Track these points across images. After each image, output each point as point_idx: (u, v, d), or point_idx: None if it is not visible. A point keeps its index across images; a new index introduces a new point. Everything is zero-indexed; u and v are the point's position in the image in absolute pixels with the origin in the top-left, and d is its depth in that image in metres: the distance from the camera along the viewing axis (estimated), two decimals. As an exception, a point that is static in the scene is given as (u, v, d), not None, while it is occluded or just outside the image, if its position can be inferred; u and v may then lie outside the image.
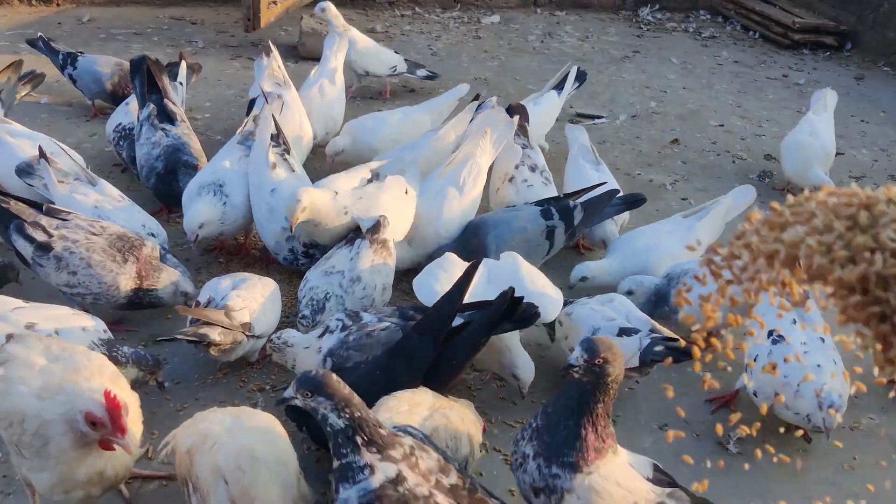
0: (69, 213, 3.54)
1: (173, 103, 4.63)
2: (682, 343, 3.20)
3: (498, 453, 3.11)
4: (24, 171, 4.06)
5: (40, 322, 2.96)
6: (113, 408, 2.33)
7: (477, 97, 4.94)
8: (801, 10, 9.19)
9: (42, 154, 3.92)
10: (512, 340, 3.26)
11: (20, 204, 3.51)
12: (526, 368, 3.23)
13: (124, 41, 7.21)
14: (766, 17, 9.14)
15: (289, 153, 4.12)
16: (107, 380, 2.50)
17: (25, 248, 3.42)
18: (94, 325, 3.05)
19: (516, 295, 2.97)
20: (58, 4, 8.08)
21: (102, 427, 2.35)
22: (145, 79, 4.66)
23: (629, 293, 3.72)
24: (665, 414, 3.36)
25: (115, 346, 3.01)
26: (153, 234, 3.83)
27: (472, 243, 3.94)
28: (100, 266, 3.39)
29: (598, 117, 6.42)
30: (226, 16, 8.14)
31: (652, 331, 3.28)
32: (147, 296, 3.49)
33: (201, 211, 3.91)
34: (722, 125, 6.52)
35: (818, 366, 3.07)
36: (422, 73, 6.44)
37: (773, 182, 5.59)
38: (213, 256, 4.24)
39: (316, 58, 6.99)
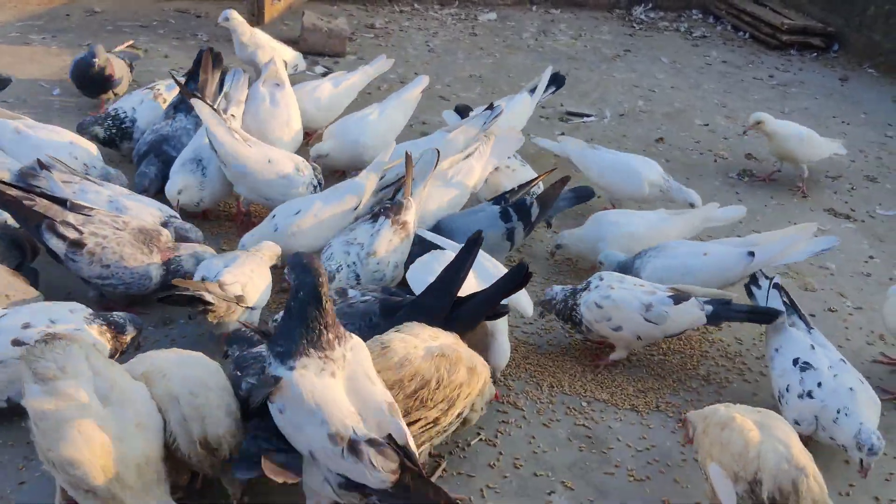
0: (91, 208, 3.74)
1: (201, 98, 4.86)
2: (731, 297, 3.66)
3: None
4: (27, 174, 4.06)
5: (31, 319, 3.10)
6: None
7: (491, 106, 5.03)
8: (791, 12, 9.42)
9: (42, 165, 4.01)
10: (499, 327, 3.50)
11: (45, 201, 3.67)
12: (499, 353, 3.44)
13: (130, 33, 7.41)
14: (757, 18, 9.38)
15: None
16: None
17: (58, 246, 3.61)
18: (75, 307, 3.25)
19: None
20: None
21: None
22: (191, 68, 5.14)
23: (600, 264, 4.19)
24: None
25: (106, 316, 3.24)
26: (175, 217, 4.10)
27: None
28: (131, 258, 3.65)
29: (587, 115, 6.66)
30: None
31: (690, 294, 3.63)
32: (174, 275, 3.77)
33: (179, 179, 4.36)
34: (707, 124, 6.77)
35: (851, 389, 3.23)
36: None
37: (753, 180, 5.84)
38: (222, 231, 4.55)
39: (317, 52, 7.29)
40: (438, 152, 4.28)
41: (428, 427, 2.85)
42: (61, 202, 3.69)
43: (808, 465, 2.69)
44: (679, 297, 3.59)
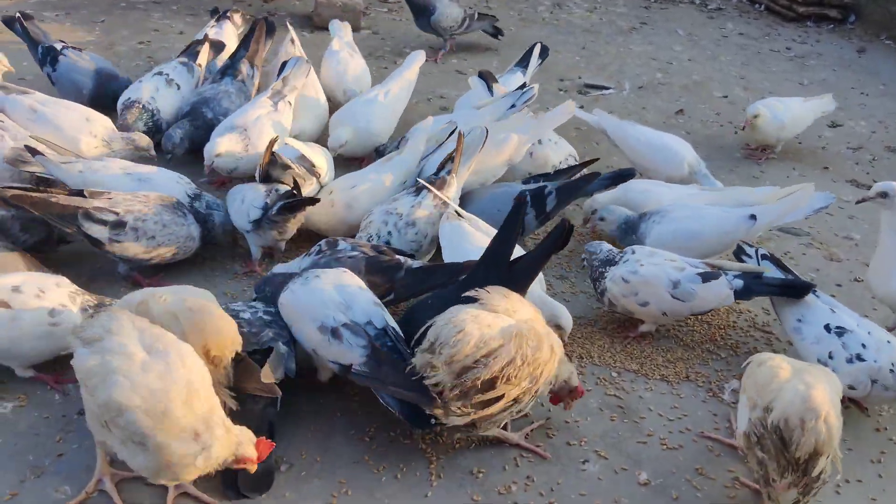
0: (108, 192, 3.73)
1: (252, 65, 5.10)
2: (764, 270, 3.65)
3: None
4: (18, 160, 3.98)
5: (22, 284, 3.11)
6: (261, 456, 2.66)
7: (523, 86, 5.00)
8: (807, -17, 9.31)
9: (32, 150, 3.91)
10: (540, 293, 3.52)
11: (65, 196, 3.63)
12: (565, 316, 3.47)
13: (144, 10, 7.38)
14: (772, -10, 9.28)
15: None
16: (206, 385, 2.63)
17: (101, 232, 3.60)
18: (62, 281, 3.25)
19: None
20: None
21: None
22: (244, 37, 5.32)
23: (601, 220, 4.21)
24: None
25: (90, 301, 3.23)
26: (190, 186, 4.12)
27: None
28: (174, 224, 3.74)
29: (606, 88, 6.62)
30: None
31: (721, 268, 3.61)
32: (209, 236, 3.93)
33: (223, 142, 4.36)
34: (726, 96, 6.73)
35: (888, 342, 3.29)
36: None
37: (774, 152, 5.80)
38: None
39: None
40: (487, 131, 4.24)
41: (509, 406, 2.90)
42: (79, 192, 3.68)
43: (822, 409, 2.66)
44: (708, 275, 3.57)
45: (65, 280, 3.25)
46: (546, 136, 4.77)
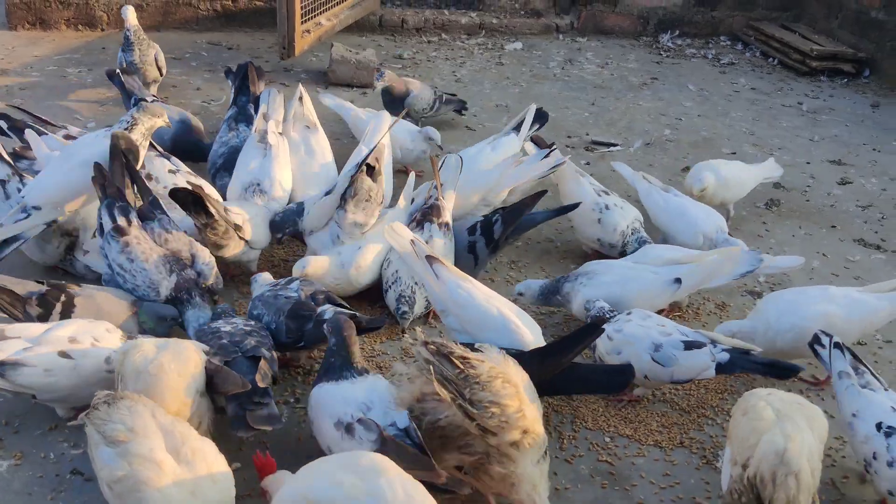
0: (161, 211, 4.00)
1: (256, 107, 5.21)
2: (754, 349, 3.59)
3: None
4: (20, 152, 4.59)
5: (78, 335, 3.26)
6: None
7: (551, 144, 5.14)
8: (821, 38, 9.37)
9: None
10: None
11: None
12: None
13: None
14: (786, 44, 9.33)
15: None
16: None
17: (106, 222, 3.88)
18: (111, 327, 3.40)
19: None
20: (102, 29, 8.52)
21: None
22: (238, 83, 5.41)
23: (520, 295, 4.21)
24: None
25: None
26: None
27: None
28: (153, 266, 3.83)
29: (613, 145, 6.67)
30: (260, 41, 8.53)
31: (713, 341, 3.57)
32: (180, 304, 3.87)
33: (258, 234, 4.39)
34: (734, 153, 6.74)
35: None
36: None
37: (780, 211, 5.80)
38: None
39: (345, 84, 7.39)
40: (461, 158, 4.60)
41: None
42: (147, 192, 4.04)
43: (796, 464, 2.66)
44: (692, 344, 3.54)
45: (111, 325, 3.39)
46: (612, 201, 4.80)
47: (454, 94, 6.91)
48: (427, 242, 4.02)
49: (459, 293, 3.58)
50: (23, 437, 3.31)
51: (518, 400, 2.83)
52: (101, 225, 3.91)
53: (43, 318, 3.52)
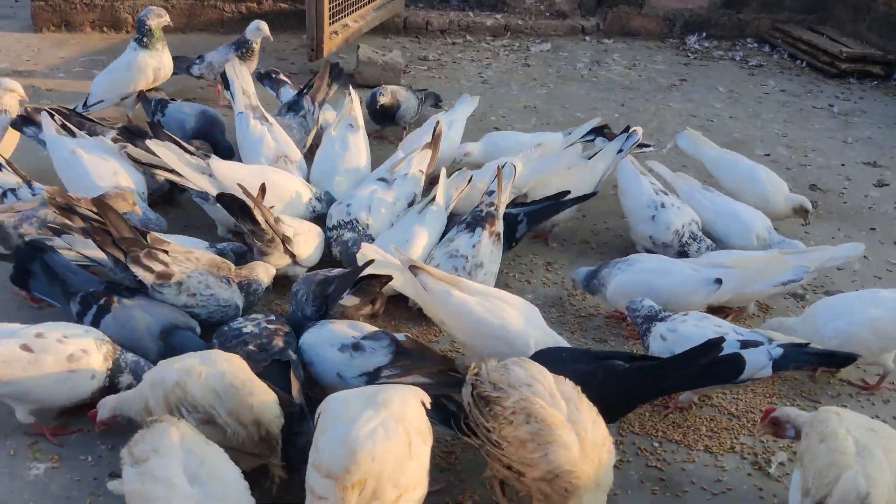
0: (167, 242, 3.74)
1: (312, 101, 5.56)
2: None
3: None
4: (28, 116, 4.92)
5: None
6: None
7: (627, 128, 5.22)
8: (849, 40, 9.25)
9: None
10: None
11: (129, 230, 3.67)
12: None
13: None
14: (814, 47, 9.22)
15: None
16: None
17: (146, 277, 3.60)
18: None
19: None
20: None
21: None
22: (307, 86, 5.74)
23: (573, 281, 4.30)
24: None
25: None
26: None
27: None
28: (217, 287, 3.71)
29: (646, 146, 6.55)
30: (285, 43, 8.48)
31: (769, 339, 3.47)
32: (253, 296, 3.87)
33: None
34: (768, 154, 6.63)
35: None
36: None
37: (818, 212, 5.69)
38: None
39: (371, 85, 7.28)
40: (515, 166, 4.53)
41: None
42: (142, 233, 3.72)
43: None
44: (748, 343, 3.43)
45: (95, 330, 3.30)
46: (670, 200, 4.72)
47: (424, 89, 6.74)
48: (474, 247, 4.01)
49: (451, 301, 3.43)
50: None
51: (544, 437, 2.64)
52: (138, 281, 3.61)
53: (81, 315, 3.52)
